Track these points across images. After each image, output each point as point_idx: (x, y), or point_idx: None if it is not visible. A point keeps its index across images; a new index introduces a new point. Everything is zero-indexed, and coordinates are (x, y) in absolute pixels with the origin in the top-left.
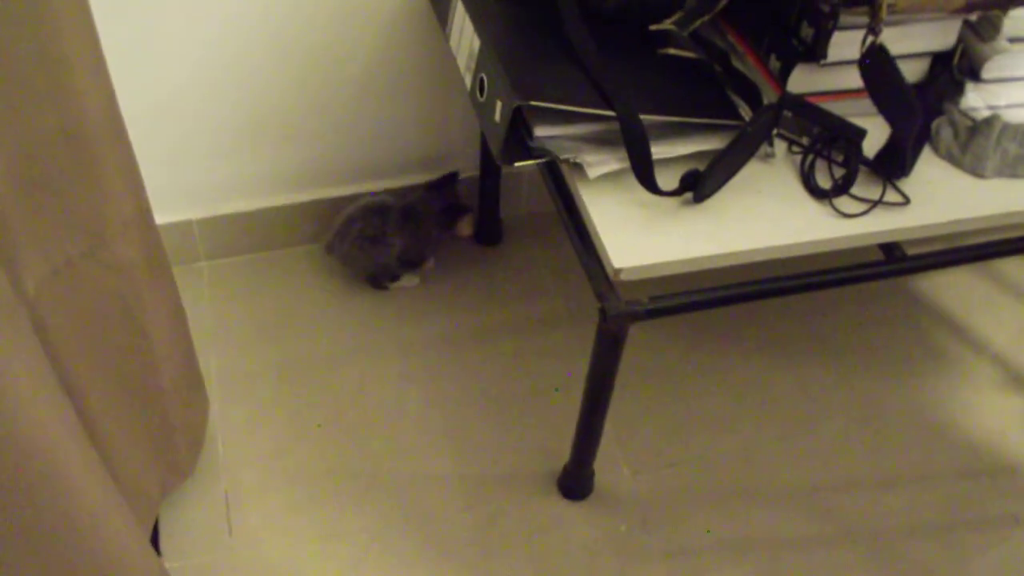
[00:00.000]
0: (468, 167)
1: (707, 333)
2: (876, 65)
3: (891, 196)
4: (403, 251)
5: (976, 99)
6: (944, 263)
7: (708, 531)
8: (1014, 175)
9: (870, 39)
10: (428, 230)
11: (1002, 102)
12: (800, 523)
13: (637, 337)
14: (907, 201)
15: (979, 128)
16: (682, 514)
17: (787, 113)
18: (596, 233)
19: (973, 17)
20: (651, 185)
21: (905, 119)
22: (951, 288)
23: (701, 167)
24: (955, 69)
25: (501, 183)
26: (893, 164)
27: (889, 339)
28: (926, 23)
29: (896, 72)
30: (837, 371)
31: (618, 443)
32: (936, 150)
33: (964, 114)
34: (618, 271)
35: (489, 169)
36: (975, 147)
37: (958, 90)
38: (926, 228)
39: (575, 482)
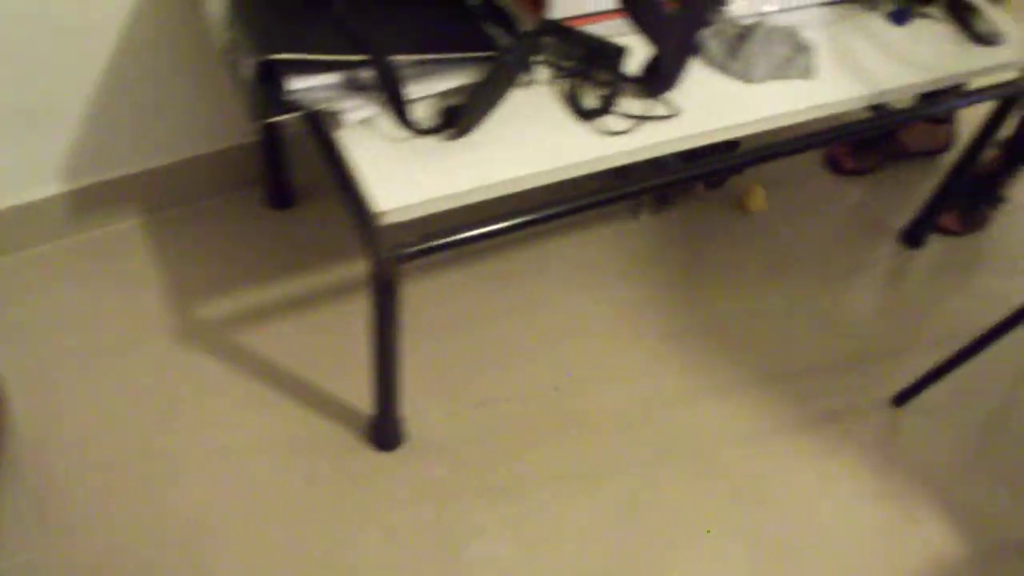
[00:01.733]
0: (250, 132)
1: (504, 272)
2: None
3: (661, 110)
4: None
5: (744, 6)
6: (729, 168)
7: (526, 462)
8: (784, 76)
9: None
10: None
11: (770, 7)
12: (622, 445)
13: (435, 284)
14: (675, 113)
15: (746, 34)
16: (497, 451)
17: (549, 39)
18: (358, 180)
19: None
20: (409, 125)
21: (662, 34)
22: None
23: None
24: None
25: (288, 144)
26: (658, 79)
27: (703, 249)
28: None
29: None
30: (639, 288)
31: (426, 388)
32: (706, 60)
33: (732, 22)
34: (381, 214)
35: (270, 130)
36: (744, 53)
37: (725, 2)
38: (696, 137)
39: (384, 432)
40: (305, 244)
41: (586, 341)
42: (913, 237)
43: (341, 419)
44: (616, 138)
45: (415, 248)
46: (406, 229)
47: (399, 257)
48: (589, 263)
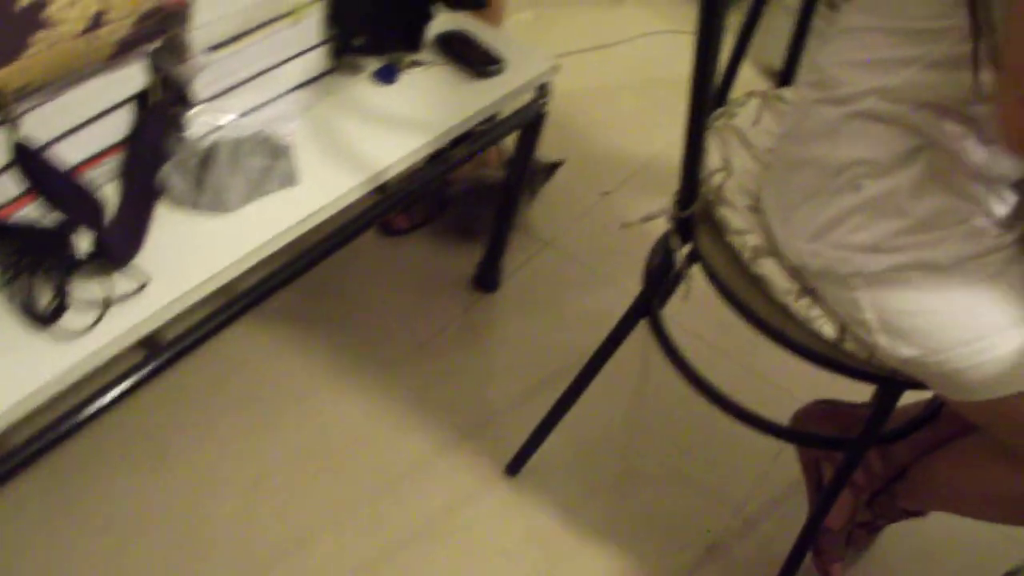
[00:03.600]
0: None
1: (66, 478)
2: (27, 161)
3: (126, 285)
4: None
5: (203, 125)
6: (214, 329)
7: None
8: (264, 192)
9: (13, 136)
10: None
11: (231, 116)
12: None
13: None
14: (144, 283)
15: (211, 156)
16: None
17: None
18: None
19: (151, 49)
20: None
21: (80, 203)
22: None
23: None
24: (164, 105)
25: None
26: (112, 250)
27: (240, 395)
28: (89, 83)
29: (44, 161)
30: (206, 449)
31: None
32: (173, 201)
33: (192, 147)
34: None
35: None
36: (211, 180)
37: (180, 125)
38: (176, 303)
39: None
40: None
41: (158, 520)
42: (487, 280)
43: None
44: (88, 335)
45: None
46: None
47: None
48: (146, 432)
